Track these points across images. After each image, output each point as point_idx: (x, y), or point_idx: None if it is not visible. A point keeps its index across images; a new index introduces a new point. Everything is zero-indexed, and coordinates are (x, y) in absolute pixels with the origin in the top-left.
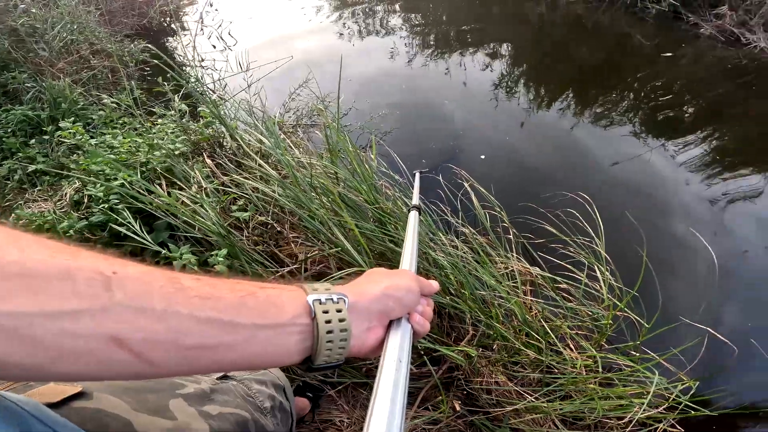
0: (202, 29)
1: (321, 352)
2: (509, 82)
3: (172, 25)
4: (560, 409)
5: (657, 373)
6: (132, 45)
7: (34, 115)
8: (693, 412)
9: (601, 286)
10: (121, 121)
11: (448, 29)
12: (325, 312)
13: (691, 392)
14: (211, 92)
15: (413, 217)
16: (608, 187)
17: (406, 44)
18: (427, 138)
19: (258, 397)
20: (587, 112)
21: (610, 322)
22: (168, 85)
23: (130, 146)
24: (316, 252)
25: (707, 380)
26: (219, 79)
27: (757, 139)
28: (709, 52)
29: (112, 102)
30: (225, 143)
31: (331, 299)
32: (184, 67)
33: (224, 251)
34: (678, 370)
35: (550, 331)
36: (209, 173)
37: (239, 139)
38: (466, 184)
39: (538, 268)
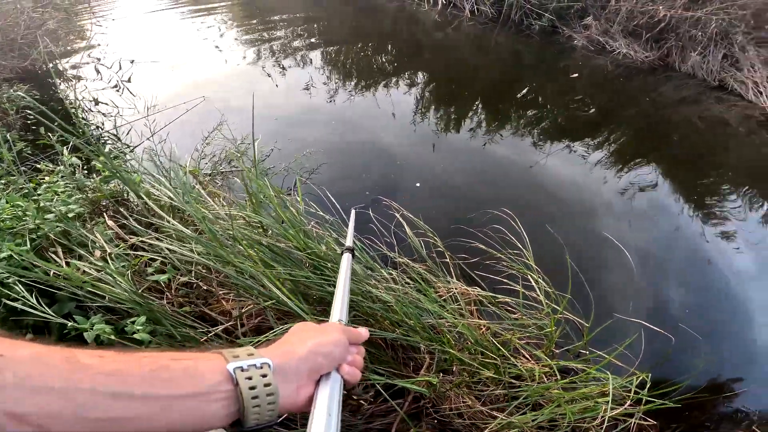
0: (98, 72)
1: (249, 415)
2: (426, 108)
3: (61, 68)
4: (533, 420)
5: (609, 372)
6: (11, 90)
7: None
8: (656, 402)
9: (538, 294)
10: (2, 181)
11: (366, 61)
12: (249, 378)
13: (648, 385)
14: (112, 141)
15: (346, 260)
16: (527, 198)
17: (327, 79)
18: (358, 172)
19: None
20: (499, 129)
21: (554, 327)
22: (54, 136)
23: (13, 211)
24: (251, 306)
25: (658, 370)
26: (118, 126)
27: (641, 135)
28: (585, 61)
29: None
30: (131, 199)
31: (254, 365)
32: (76, 115)
33: (142, 318)
34: (629, 365)
35: (501, 347)
36: (114, 236)
37: (143, 196)
38: (397, 215)
39: (477, 288)
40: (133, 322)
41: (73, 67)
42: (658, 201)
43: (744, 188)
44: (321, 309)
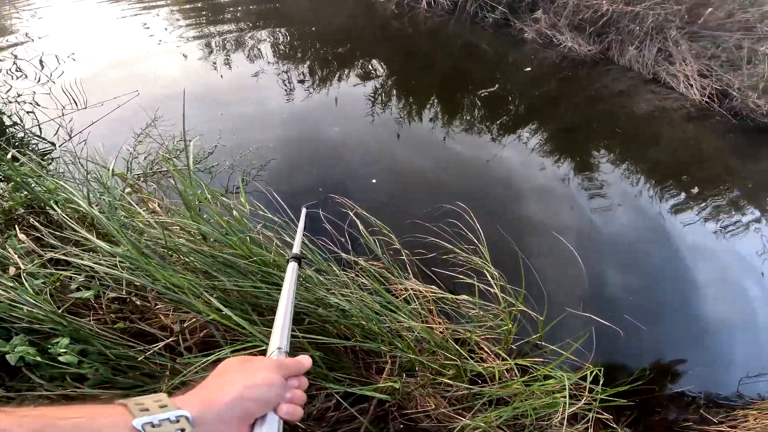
0: (16, 64)
1: None
2: (384, 101)
3: None
4: (498, 419)
5: (565, 367)
6: None
7: None
8: (608, 397)
9: (494, 289)
10: None
11: (320, 52)
12: None
13: (601, 380)
14: (35, 143)
15: (291, 270)
16: (480, 190)
17: (279, 71)
18: (309, 169)
19: None
20: (453, 122)
21: (510, 324)
22: None
23: None
24: (194, 320)
25: (610, 362)
26: (41, 124)
27: (581, 124)
28: (534, 54)
29: None
30: (48, 209)
31: (168, 419)
32: None
33: (65, 341)
34: (583, 359)
35: (459, 348)
36: (30, 250)
37: (56, 207)
38: (351, 213)
39: (434, 287)
40: (55, 344)
41: None
42: (598, 190)
43: (670, 178)
44: (272, 319)
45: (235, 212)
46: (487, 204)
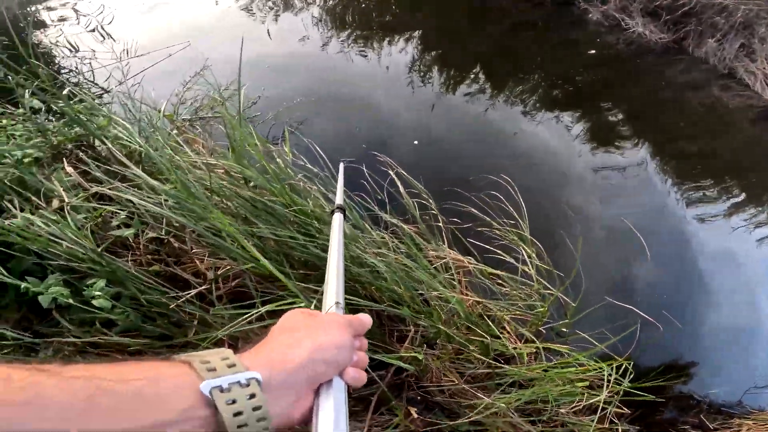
0: (77, 17)
1: None
2: (425, 68)
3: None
4: (515, 401)
5: (592, 357)
6: None
7: None
8: (636, 392)
9: (529, 269)
10: None
11: (365, 14)
12: (232, 401)
13: (630, 374)
14: (86, 84)
15: (337, 221)
16: (527, 168)
17: (324, 29)
18: (351, 125)
19: None
20: (502, 96)
21: (546, 309)
22: (13, 79)
23: None
24: (228, 267)
25: (640, 358)
26: (93, 70)
27: (643, 112)
28: (596, 36)
29: None
30: (97, 145)
31: (238, 382)
32: (39, 58)
33: (101, 283)
34: (611, 351)
35: (492, 324)
36: (76, 183)
37: (105, 141)
38: (391, 172)
39: (471, 257)
40: (91, 285)
41: (48, 9)
42: (664, 184)
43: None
44: (306, 274)
45: (279, 160)
46: (533, 181)
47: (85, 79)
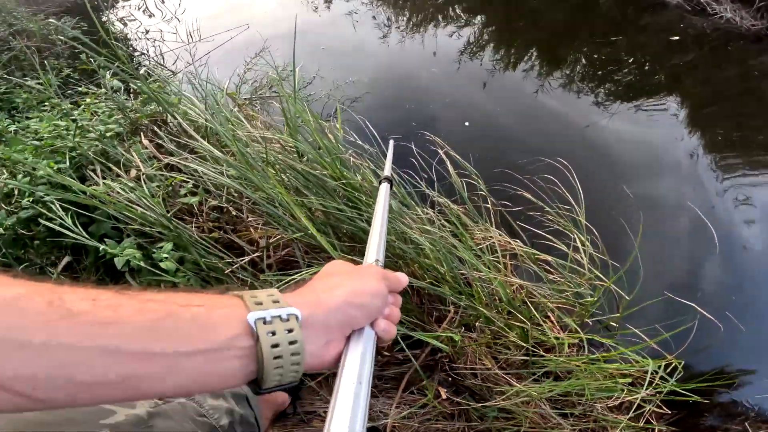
0: (144, 3)
1: (269, 377)
2: (481, 49)
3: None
4: (548, 391)
5: (644, 353)
6: (58, 22)
7: None
8: (681, 393)
9: (581, 257)
10: (49, 104)
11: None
12: (272, 333)
13: (679, 373)
14: (156, 66)
15: (384, 190)
16: (587, 152)
17: (374, 12)
18: (401, 105)
19: (213, 414)
20: (564, 79)
21: (596, 300)
22: (95, 61)
23: (52, 130)
24: (279, 237)
25: (692, 358)
26: (162, 53)
27: (727, 101)
28: (679, 21)
29: (37, 84)
30: (169, 121)
31: (279, 317)
32: (123, 41)
33: (169, 246)
34: (662, 348)
35: (535, 311)
36: (151, 155)
37: (178, 117)
38: (440, 152)
39: (518, 241)
40: (159, 251)
41: None
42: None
43: None
44: (351, 246)
45: (330, 135)
46: (594, 167)
47: (156, 61)
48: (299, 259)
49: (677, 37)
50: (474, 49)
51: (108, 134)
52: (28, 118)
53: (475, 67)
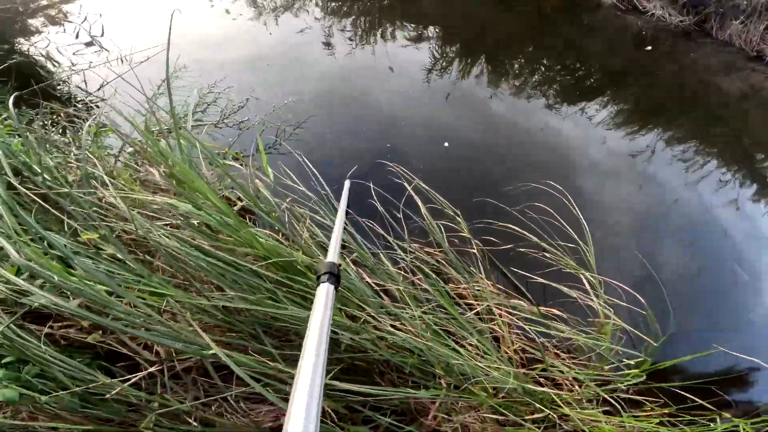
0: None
1: None
2: (440, 64)
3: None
4: None
5: None
6: None
7: None
8: None
9: (592, 300)
10: None
11: (367, 8)
12: None
13: None
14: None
15: (323, 295)
16: (578, 172)
17: (323, 26)
18: (354, 132)
19: None
20: (519, 90)
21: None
22: None
23: None
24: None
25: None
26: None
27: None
28: (611, 20)
29: None
30: None
31: None
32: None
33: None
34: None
35: (550, 392)
36: None
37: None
38: (408, 187)
39: (516, 295)
40: None
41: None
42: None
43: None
44: (298, 344)
45: (257, 182)
46: (586, 187)
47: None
48: (217, 381)
49: (650, 48)
50: (430, 67)
51: None
52: None
53: (435, 85)
